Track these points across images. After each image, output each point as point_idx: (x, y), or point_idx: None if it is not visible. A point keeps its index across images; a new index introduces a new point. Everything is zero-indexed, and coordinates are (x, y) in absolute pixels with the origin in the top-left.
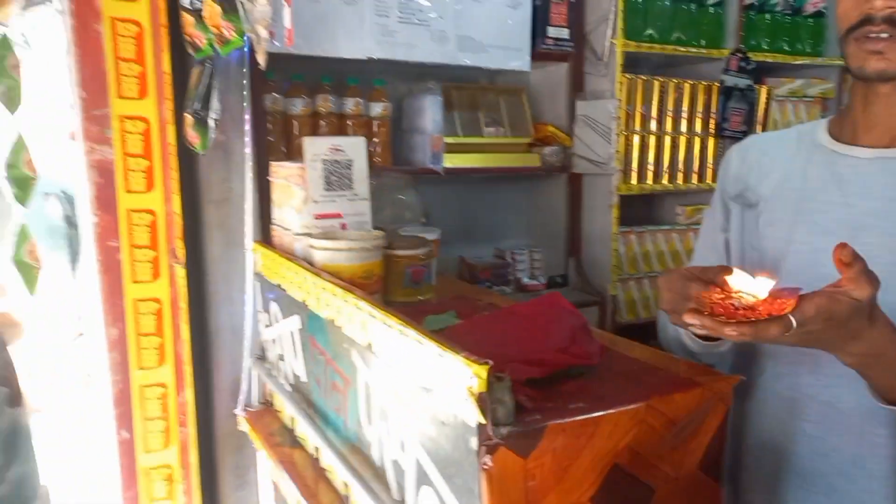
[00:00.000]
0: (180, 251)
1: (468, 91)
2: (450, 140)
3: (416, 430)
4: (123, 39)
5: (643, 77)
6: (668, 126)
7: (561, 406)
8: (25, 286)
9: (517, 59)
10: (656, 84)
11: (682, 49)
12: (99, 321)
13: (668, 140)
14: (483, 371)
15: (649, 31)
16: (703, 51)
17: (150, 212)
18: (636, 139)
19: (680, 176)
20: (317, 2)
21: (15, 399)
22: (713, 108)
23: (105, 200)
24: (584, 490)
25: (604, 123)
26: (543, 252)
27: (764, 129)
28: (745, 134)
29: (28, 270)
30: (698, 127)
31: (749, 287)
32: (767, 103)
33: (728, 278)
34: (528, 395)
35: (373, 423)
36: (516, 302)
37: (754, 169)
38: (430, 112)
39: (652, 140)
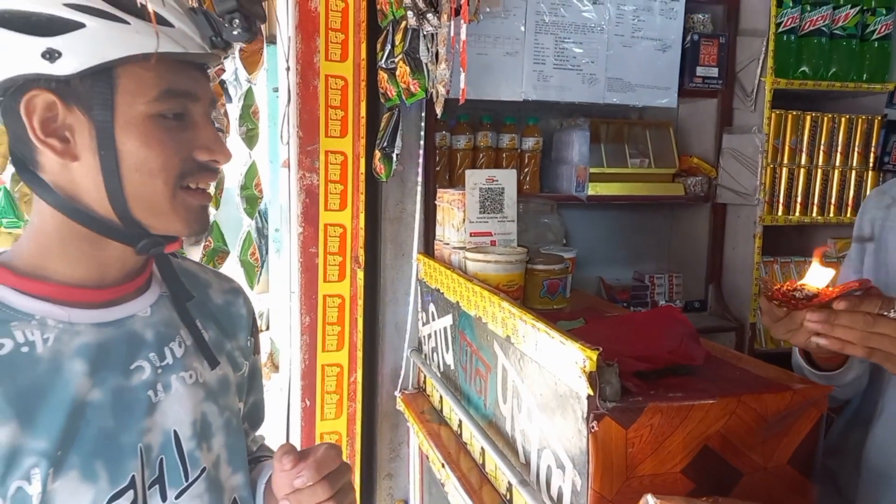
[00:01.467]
0: (361, 258)
1: (616, 125)
2: (595, 170)
3: (541, 404)
4: (333, 91)
5: (793, 112)
6: (821, 160)
7: (662, 394)
8: (247, 281)
9: (664, 96)
10: (808, 118)
11: (839, 84)
12: (296, 310)
13: (819, 173)
14: (593, 355)
15: (803, 69)
16: (864, 85)
17: (342, 226)
18: (784, 172)
19: (832, 209)
20: (483, 55)
21: (256, 349)
22: (874, 142)
23: (309, 216)
24: (677, 462)
25: (750, 156)
26: (683, 277)
27: None
28: None
29: (250, 268)
30: (855, 161)
31: (810, 279)
32: None
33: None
34: (635, 383)
35: (507, 402)
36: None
37: (892, 211)
38: (576, 144)
39: (801, 173)
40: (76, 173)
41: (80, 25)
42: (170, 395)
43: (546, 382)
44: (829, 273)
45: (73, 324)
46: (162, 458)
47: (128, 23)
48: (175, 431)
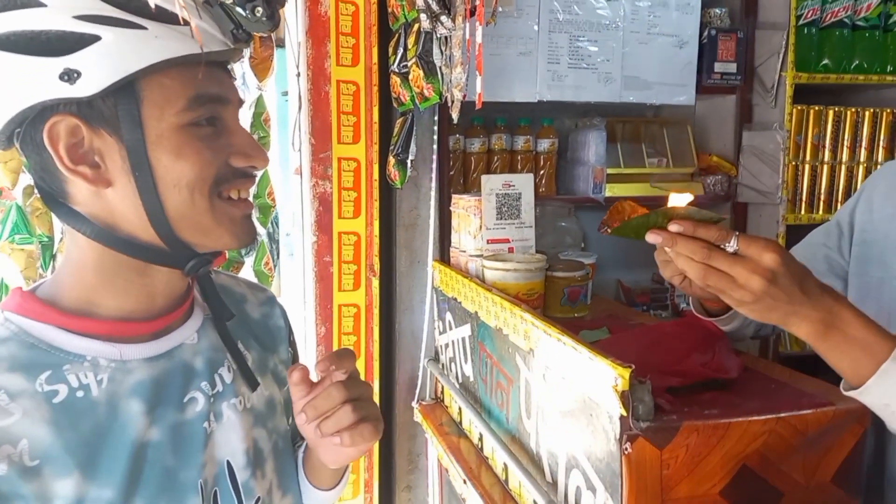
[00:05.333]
0: (376, 266)
1: (632, 124)
2: (612, 171)
3: (569, 423)
4: (345, 97)
5: (815, 107)
6: (845, 155)
7: (697, 411)
8: None
9: (682, 94)
10: (830, 113)
11: (862, 77)
12: (311, 321)
13: (843, 169)
14: (626, 373)
15: (824, 62)
16: (888, 77)
17: (356, 234)
18: (807, 169)
19: None
20: (497, 56)
21: (296, 357)
22: None
23: (323, 224)
24: (714, 484)
25: (771, 154)
26: None
27: None
28: None
29: (264, 278)
30: (881, 156)
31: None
32: None
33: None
34: (667, 400)
35: (531, 417)
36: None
37: (890, 197)
38: (593, 145)
39: (825, 170)
40: (111, 200)
41: (96, 38)
42: (222, 423)
43: (573, 399)
44: (688, 196)
45: (126, 361)
46: (216, 491)
47: (145, 28)
48: (228, 462)
